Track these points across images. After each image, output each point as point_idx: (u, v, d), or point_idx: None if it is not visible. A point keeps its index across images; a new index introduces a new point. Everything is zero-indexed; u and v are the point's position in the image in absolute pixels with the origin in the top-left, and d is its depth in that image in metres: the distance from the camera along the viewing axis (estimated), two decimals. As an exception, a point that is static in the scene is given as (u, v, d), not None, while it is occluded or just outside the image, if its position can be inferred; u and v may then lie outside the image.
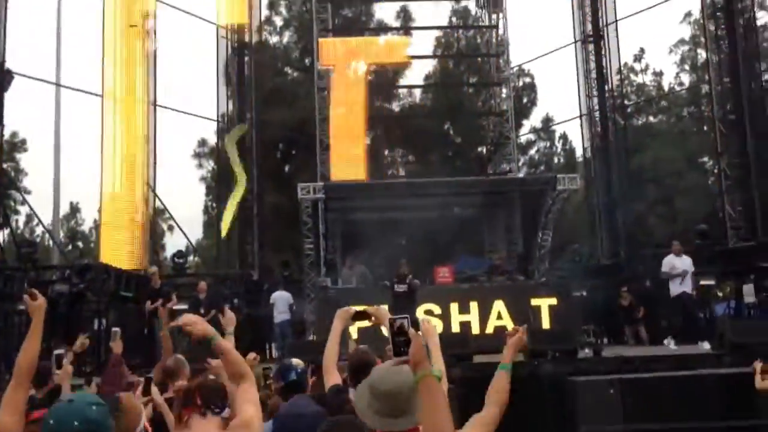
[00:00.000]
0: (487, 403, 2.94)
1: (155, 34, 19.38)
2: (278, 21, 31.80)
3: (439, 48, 31.25)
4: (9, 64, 15.69)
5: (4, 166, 17.75)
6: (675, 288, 12.30)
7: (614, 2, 21.06)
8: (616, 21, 21.04)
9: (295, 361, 4.65)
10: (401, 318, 2.57)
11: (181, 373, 5.13)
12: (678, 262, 12.34)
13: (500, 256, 15.95)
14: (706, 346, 11.46)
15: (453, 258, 16.02)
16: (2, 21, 15.78)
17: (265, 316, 16.09)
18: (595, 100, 21.10)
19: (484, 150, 26.32)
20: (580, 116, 21.96)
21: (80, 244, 39.11)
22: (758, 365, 7.35)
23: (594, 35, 21.27)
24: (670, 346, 12.25)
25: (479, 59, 27.35)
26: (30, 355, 3.19)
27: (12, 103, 15.82)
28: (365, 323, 4.06)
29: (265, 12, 27.78)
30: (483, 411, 2.87)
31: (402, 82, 30.46)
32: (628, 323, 15.40)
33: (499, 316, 13.40)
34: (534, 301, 13.54)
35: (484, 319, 13.35)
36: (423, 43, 32.89)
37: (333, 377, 3.87)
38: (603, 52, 21.08)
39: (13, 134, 31.35)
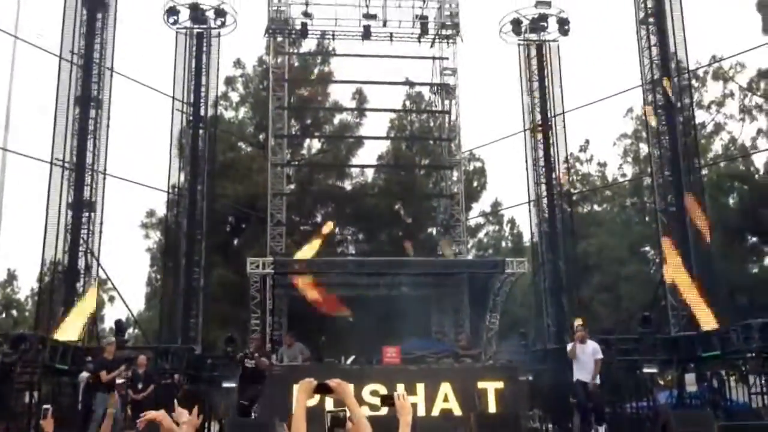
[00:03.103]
0: None
1: (109, 103, 19.34)
2: (234, 96, 32.19)
3: (393, 129, 31.95)
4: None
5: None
6: (575, 373, 12.32)
7: (562, 94, 21.93)
8: (564, 112, 21.86)
9: None
10: (339, 411, 2.53)
11: None
12: (578, 350, 12.27)
13: (462, 338, 15.82)
14: None
15: (400, 338, 15.90)
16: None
17: (206, 392, 15.59)
18: (543, 187, 21.65)
19: (434, 231, 26.60)
20: (528, 202, 22.44)
21: (14, 312, 37.65)
22: None
23: (542, 125, 22.00)
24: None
25: (432, 142, 28.00)
26: None
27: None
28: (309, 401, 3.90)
29: (222, 87, 28.12)
30: None
31: (354, 161, 30.93)
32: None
33: (446, 399, 13.23)
34: (481, 384, 13.41)
35: (430, 401, 13.16)
36: (377, 124, 33.67)
37: None
38: (551, 141, 21.78)
39: (-47, 198, 30.48)
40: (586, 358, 12.21)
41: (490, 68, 49.62)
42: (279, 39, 23.42)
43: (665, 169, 18.69)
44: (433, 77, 24.03)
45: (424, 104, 30.01)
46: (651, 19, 19.49)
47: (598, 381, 12.22)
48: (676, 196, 18.17)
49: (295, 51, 26.95)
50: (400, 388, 12.91)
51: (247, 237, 27.35)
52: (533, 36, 22.47)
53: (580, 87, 25.37)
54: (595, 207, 34.96)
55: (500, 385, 13.43)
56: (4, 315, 35.17)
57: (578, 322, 14.91)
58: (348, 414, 2.49)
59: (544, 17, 22.04)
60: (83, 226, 17.97)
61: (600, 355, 12.28)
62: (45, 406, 5.27)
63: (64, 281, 17.33)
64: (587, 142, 35.25)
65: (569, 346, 12.57)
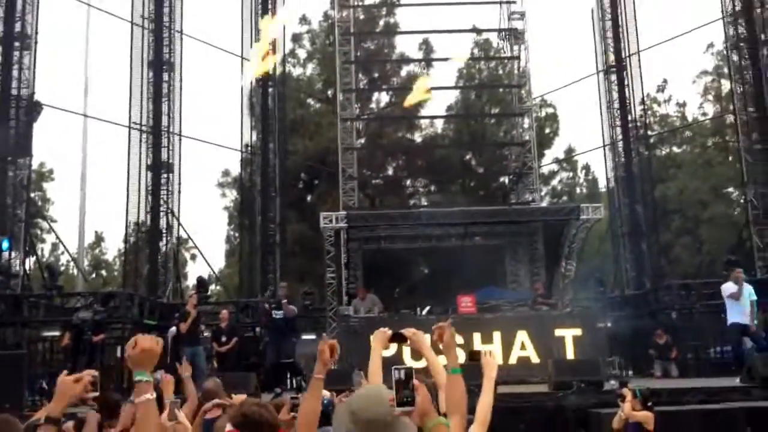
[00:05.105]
0: (450, 414, 2.88)
1: (180, 66, 19.74)
2: (301, 53, 32.25)
3: (461, 79, 31.43)
4: (38, 96, 16.05)
5: (32, 195, 18.00)
6: (731, 316, 11.63)
7: (636, 33, 21.09)
8: (639, 52, 21.05)
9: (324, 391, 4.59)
10: (404, 368, 2.56)
11: (221, 395, 5.25)
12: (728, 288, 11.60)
13: (540, 287, 15.63)
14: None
15: (475, 288, 15.90)
16: (32, 54, 16.16)
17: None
18: (618, 130, 21.04)
19: (507, 180, 26.28)
20: (603, 146, 21.88)
21: (104, 272, 39.45)
22: (629, 392, 7.17)
23: (617, 65, 21.28)
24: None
25: (501, 90, 27.44)
26: None
27: (39, 133, 16.10)
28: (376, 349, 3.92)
29: (288, 45, 28.19)
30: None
31: (424, 112, 30.65)
32: (660, 360, 15.17)
33: (523, 347, 13.21)
34: (558, 332, 13.32)
35: (507, 350, 13.16)
36: (445, 74, 33.20)
37: None
38: (626, 83, 21.07)
39: (41, 164, 31.94)
40: (744, 300, 11.44)
41: (560, 9, 47.88)
42: (343, -9, 23.25)
43: (749, 106, 17.85)
44: (501, 23, 23.43)
45: (492, 51, 29.37)
46: (732, -54, 18.40)
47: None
48: (762, 134, 17.36)
49: (360, 3, 26.69)
50: (477, 337, 13.01)
51: (320, 192, 27.67)
52: (605, -29, 21.61)
53: (656, 24, 24.30)
54: (674, 149, 33.68)
55: (578, 332, 13.31)
56: (93, 275, 36.90)
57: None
58: (412, 371, 2.55)
59: (615, -50, 21.13)
60: (162, 187, 18.58)
61: (755, 297, 11.52)
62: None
63: (148, 241, 18.04)
64: (665, 81, 33.81)
65: (725, 288, 11.69)
